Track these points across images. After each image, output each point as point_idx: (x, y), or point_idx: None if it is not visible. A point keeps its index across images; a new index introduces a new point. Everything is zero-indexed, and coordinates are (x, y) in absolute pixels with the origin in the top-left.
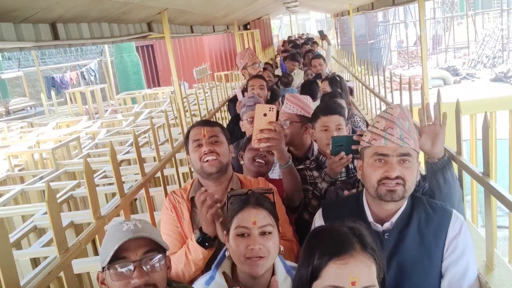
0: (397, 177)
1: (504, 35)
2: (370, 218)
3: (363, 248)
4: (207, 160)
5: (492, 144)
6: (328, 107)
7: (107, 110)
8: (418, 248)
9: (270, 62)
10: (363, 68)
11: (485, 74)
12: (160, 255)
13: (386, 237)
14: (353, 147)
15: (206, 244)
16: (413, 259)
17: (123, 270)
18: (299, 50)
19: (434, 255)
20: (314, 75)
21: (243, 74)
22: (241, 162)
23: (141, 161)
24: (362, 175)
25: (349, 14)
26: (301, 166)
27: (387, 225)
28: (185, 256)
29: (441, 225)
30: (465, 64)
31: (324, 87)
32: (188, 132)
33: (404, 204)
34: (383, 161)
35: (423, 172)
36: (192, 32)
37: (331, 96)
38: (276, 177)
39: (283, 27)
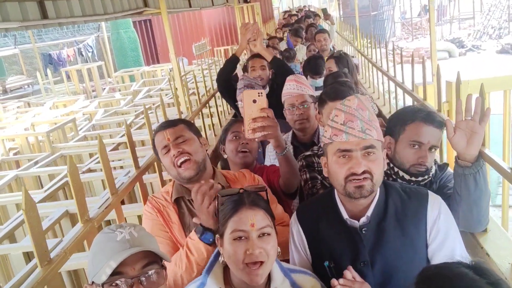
0: (363, 172)
1: (510, 5)
2: (345, 215)
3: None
4: (181, 164)
5: None
6: (336, 91)
7: (104, 89)
8: (400, 238)
9: (276, 35)
10: (367, 42)
11: (491, 46)
12: (159, 268)
13: (364, 232)
14: None
15: (211, 240)
16: (397, 250)
17: (121, 287)
18: (301, 24)
19: (417, 243)
20: (317, 50)
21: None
22: (224, 156)
23: (135, 153)
24: (328, 173)
25: None
26: (308, 153)
27: (363, 219)
28: (186, 258)
29: (418, 210)
30: (470, 36)
31: (330, 66)
32: (153, 139)
33: (376, 195)
34: (347, 156)
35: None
36: (190, 6)
37: (335, 77)
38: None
39: (283, 0)
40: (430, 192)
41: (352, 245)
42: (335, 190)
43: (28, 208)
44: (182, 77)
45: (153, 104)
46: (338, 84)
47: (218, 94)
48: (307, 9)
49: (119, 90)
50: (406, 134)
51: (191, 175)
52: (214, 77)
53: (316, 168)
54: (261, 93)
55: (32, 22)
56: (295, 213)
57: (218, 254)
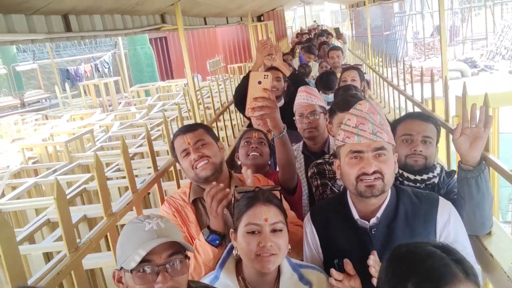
0: (374, 172)
1: None
2: (356, 216)
3: (467, 276)
4: (200, 166)
5: None
6: (346, 102)
7: (120, 103)
8: (409, 240)
9: (289, 52)
10: (379, 60)
11: (504, 66)
12: (183, 257)
13: (373, 232)
14: None
15: (217, 242)
16: None
17: (148, 273)
18: (313, 42)
19: None
20: (329, 67)
21: None
22: (238, 163)
23: (154, 156)
24: (340, 174)
25: (364, 4)
26: (320, 161)
27: (373, 220)
28: (194, 259)
29: (429, 214)
30: (483, 56)
31: (353, 76)
32: (172, 143)
33: (387, 197)
34: (358, 157)
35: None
36: (206, 24)
37: (346, 89)
38: None
39: (297, 18)
40: (440, 198)
41: (361, 244)
42: (348, 191)
43: (59, 197)
44: (197, 91)
45: (168, 118)
46: (348, 96)
47: (231, 107)
48: (320, 28)
49: (135, 104)
50: (398, 133)
51: (208, 175)
52: (228, 92)
53: (327, 175)
54: (267, 75)
55: (56, 35)
56: (308, 213)
57: (231, 249)
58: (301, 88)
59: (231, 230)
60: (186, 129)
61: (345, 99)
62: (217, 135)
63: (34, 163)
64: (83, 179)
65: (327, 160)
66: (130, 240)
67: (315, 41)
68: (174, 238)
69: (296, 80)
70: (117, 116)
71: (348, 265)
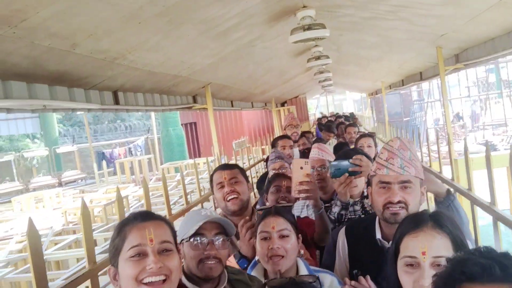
0: (399, 202)
1: None
2: (378, 236)
3: (436, 224)
4: (230, 199)
5: None
6: (345, 153)
7: (151, 179)
8: None
9: (309, 130)
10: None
11: None
12: (226, 238)
13: None
14: (350, 169)
15: (245, 265)
16: None
17: (200, 243)
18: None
19: None
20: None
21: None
22: (267, 204)
23: (185, 190)
24: (371, 201)
25: (382, 92)
26: (327, 204)
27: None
28: None
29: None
30: (503, 141)
31: (369, 143)
32: (212, 175)
33: None
34: (386, 188)
35: None
36: (232, 106)
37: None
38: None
39: (320, 107)
40: None
41: (379, 261)
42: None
43: (83, 213)
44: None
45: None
46: (348, 149)
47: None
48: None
49: None
50: None
51: (235, 209)
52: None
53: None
54: (307, 162)
55: (108, 106)
56: (344, 227)
57: None
58: (314, 145)
59: (255, 240)
60: (225, 167)
61: (345, 151)
62: None
63: (74, 225)
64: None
65: (332, 202)
66: (190, 220)
67: (333, 123)
68: (221, 221)
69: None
70: (150, 189)
71: (367, 279)
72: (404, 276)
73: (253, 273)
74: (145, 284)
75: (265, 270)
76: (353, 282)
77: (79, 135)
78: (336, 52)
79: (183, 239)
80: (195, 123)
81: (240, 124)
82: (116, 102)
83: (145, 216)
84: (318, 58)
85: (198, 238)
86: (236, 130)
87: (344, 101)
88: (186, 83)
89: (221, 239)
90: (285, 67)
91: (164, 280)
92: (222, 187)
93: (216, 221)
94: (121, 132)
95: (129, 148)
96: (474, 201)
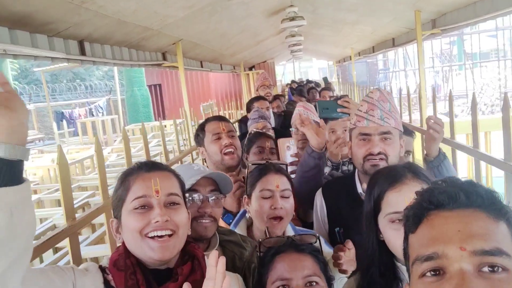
0: (379, 153)
1: (501, 84)
2: (360, 190)
3: (415, 175)
4: (227, 153)
5: None
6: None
7: (115, 140)
8: None
9: (281, 94)
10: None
11: None
12: (221, 195)
13: None
14: (338, 110)
15: (230, 220)
16: None
17: (195, 200)
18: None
19: None
20: None
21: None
22: (246, 163)
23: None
24: (351, 154)
25: (350, 59)
26: None
27: None
28: None
29: None
30: (463, 112)
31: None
32: (203, 125)
33: None
34: (366, 139)
35: None
36: (202, 67)
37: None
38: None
39: (286, 74)
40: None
41: (361, 216)
42: (356, 171)
43: (61, 163)
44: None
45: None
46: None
47: None
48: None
49: (130, 142)
50: None
51: (232, 165)
52: None
53: None
54: (292, 141)
55: (73, 56)
56: (320, 188)
57: (244, 213)
58: (299, 104)
59: (245, 196)
60: (222, 118)
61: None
62: None
63: (35, 185)
64: (85, 195)
65: None
66: (183, 175)
67: (304, 87)
68: (216, 177)
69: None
70: (114, 149)
71: (348, 242)
72: (390, 232)
73: (236, 231)
74: (150, 238)
75: (247, 228)
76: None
77: (36, 93)
78: (311, 14)
79: None
80: (159, 85)
81: (207, 86)
82: (82, 53)
83: (151, 166)
84: (292, 19)
85: (192, 195)
86: (203, 93)
87: (310, 68)
88: (156, 37)
89: (215, 197)
90: (259, 28)
91: (170, 235)
92: (219, 138)
93: (213, 177)
94: (80, 92)
95: (90, 109)
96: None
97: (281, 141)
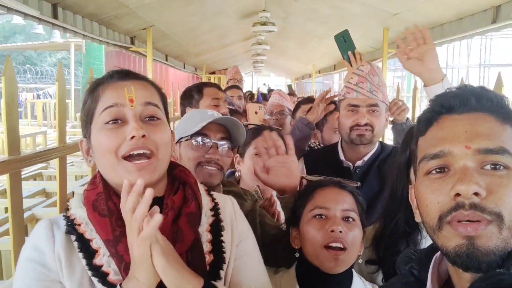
0: (366, 124)
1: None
2: (342, 157)
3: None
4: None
5: None
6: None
7: (67, 126)
8: (379, 182)
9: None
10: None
11: None
12: (232, 145)
13: (357, 172)
14: (349, 53)
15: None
16: (376, 191)
17: (203, 144)
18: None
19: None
20: None
21: None
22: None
23: None
24: (338, 124)
25: (310, 76)
26: None
27: (359, 163)
28: None
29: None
30: None
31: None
32: (200, 88)
33: (374, 148)
34: (354, 111)
35: None
36: (167, 60)
37: None
38: None
39: (245, 87)
40: None
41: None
42: (339, 140)
43: (59, 78)
44: None
45: None
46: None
47: None
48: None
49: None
50: None
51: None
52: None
53: None
54: (261, 106)
55: (46, 18)
56: (303, 157)
57: (231, 174)
58: (275, 91)
59: (237, 155)
60: (219, 87)
61: None
62: None
63: None
64: (38, 166)
65: None
66: (192, 119)
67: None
68: (229, 124)
69: None
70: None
71: None
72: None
73: None
74: (126, 159)
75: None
76: None
77: None
78: (282, 21)
79: (181, 138)
80: None
81: (166, 84)
82: (55, 17)
83: (126, 74)
84: (264, 24)
85: (201, 139)
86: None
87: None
88: (129, 17)
89: (226, 145)
90: (228, 29)
91: (149, 157)
92: (217, 105)
93: (226, 124)
94: (30, 77)
95: (38, 95)
96: None
97: (250, 106)
